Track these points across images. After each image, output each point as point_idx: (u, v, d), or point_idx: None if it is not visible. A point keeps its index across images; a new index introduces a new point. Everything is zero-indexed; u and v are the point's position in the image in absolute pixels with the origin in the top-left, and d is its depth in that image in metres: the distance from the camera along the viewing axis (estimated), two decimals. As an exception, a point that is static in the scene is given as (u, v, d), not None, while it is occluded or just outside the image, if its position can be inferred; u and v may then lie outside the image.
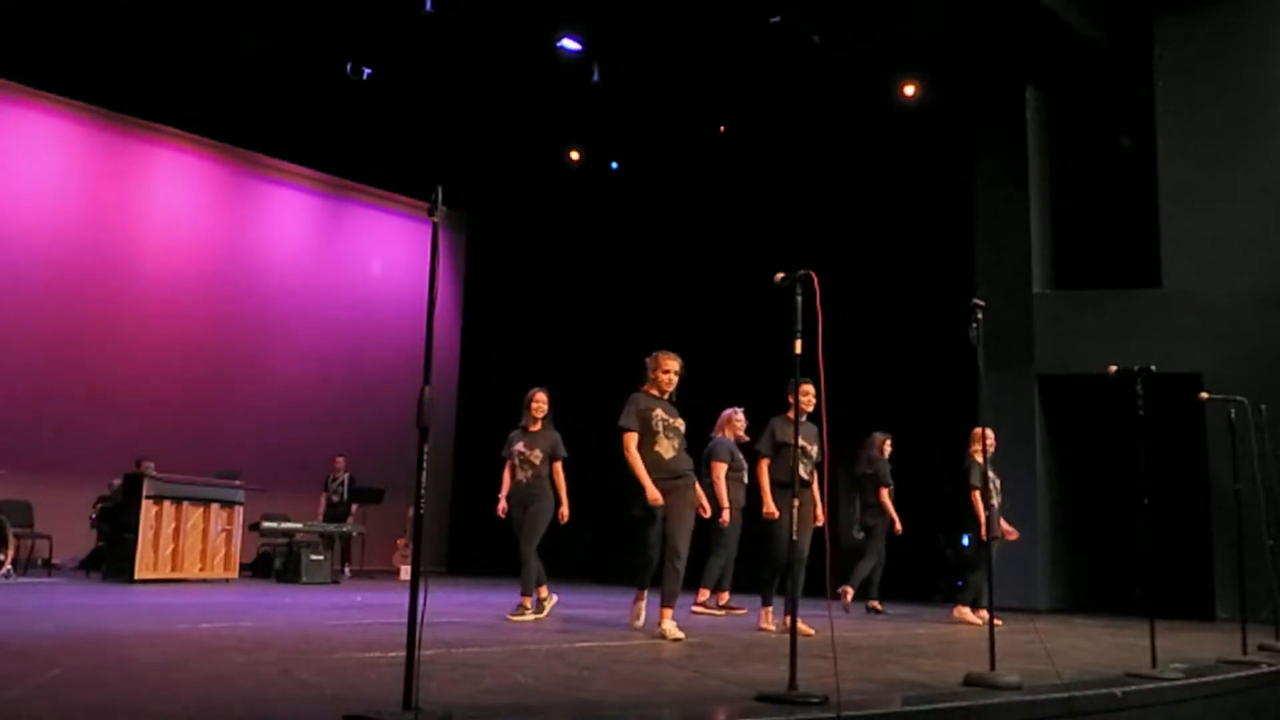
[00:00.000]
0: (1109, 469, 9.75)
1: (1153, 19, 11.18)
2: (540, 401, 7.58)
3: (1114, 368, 5.90)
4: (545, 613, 7.40)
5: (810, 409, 6.45)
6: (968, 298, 4.97)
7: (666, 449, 6.27)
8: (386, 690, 3.36)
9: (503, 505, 7.55)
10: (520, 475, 7.42)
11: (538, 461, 7.37)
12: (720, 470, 8.43)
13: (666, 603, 6.14)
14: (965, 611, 8.47)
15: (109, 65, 12.11)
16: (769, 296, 4.34)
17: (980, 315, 4.80)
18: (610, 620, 7.55)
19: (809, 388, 6.22)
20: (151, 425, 12.71)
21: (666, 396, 6.43)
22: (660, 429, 6.27)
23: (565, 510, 7.42)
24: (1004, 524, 8.38)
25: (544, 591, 7.45)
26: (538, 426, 7.52)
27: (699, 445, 15.05)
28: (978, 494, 8.13)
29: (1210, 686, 4.98)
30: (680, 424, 6.37)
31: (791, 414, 6.29)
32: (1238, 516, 6.56)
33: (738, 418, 8.81)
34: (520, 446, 7.46)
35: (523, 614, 7.17)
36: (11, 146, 12.71)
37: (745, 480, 8.58)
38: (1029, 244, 11.43)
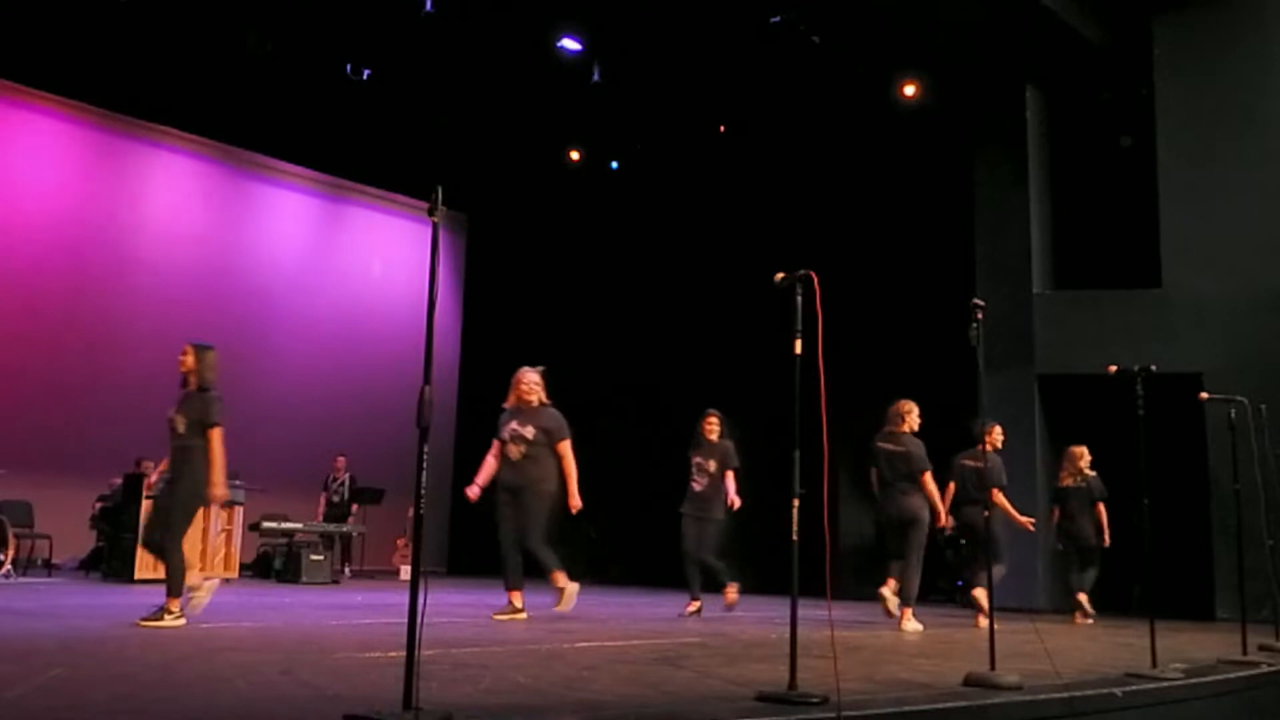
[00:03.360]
0: (1109, 469, 9.74)
1: (1153, 19, 11.17)
2: (185, 354, 6.67)
3: (1114, 368, 5.91)
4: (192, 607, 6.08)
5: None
6: (968, 298, 4.97)
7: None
8: (386, 690, 3.35)
9: (152, 479, 6.93)
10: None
11: (181, 429, 6.37)
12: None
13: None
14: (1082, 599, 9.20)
15: (109, 65, 12.10)
16: (769, 296, 4.34)
17: (980, 315, 4.79)
18: (611, 620, 7.56)
19: None
20: (151, 425, 12.62)
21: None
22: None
23: (216, 491, 6.36)
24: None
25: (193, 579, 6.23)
26: (191, 387, 6.60)
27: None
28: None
29: (1210, 686, 4.98)
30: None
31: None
32: (1238, 516, 6.56)
33: (520, 381, 7.55)
34: (169, 413, 6.55)
35: (161, 618, 5.86)
36: (11, 146, 12.70)
37: (515, 455, 7.31)
38: (1029, 244, 11.43)
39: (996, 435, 8.49)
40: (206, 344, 6.72)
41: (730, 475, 8.34)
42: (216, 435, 6.39)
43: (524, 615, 7.11)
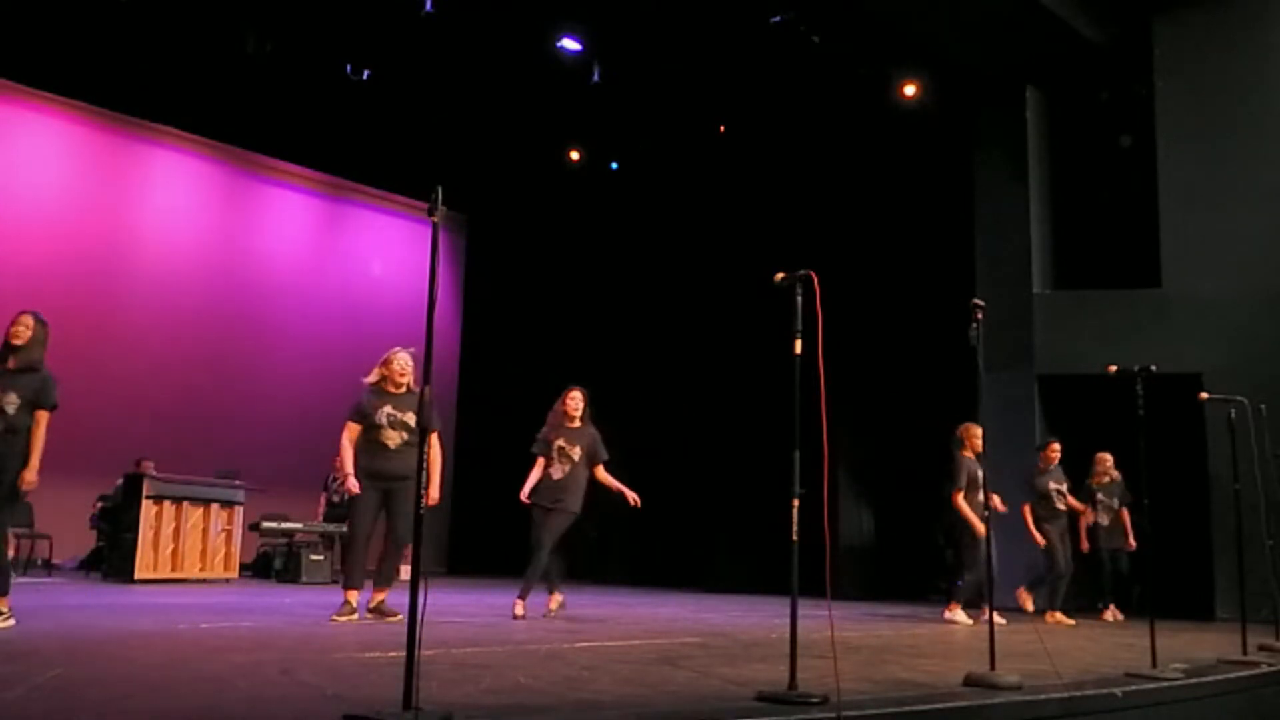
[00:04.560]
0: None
1: (1153, 19, 11.17)
2: (24, 326, 5.92)
3: (1114, 368, 5.91)
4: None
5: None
6: (968, 298, 4.97)
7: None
8: (386, 690, 3.36)
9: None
10: None
11: (12, 410, 5.81)
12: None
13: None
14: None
15: (109, 65, 12.10)
16: (769, 296, 4.34)
17: (980, 315, 4.80)
18: (610, 620, 7.56)
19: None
20: (151, 425, 12.70)
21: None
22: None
23: (30, 476, 5.95)
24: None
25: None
26: (19, 362, 5.87)
27: (702, 446, 14.85)
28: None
29: (1210, 686, 4.98)
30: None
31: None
32: (1238, 516, 6.55)
33: (393, 360, 6.88)
34: None
35: None
36: (12, 146, 12.70)
37: (395, 443, 6.74)
38: (1029, 244, 11.42)
39: (1054, 451, 9.38)
40: (43, 318, 6.02)
41: (602, 471, 7.55)
42: (45, 419, 5.89)
43: (356, 617, 6.57)
